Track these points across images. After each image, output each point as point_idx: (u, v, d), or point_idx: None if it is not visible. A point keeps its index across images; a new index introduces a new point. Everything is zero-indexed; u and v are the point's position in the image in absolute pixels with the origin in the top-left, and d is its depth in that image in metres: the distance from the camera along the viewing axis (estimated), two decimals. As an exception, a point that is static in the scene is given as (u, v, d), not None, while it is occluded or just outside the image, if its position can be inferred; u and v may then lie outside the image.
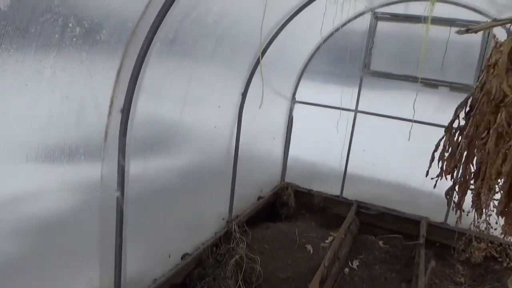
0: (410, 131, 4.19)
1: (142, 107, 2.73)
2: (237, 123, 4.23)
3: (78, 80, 2.16)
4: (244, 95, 4.14)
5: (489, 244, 4.36)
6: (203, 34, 3.02)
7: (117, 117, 2.51)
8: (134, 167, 2.84)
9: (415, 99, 4.01)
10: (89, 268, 2.68)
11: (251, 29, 3.59)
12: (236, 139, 4.28)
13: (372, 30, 5.30)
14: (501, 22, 2.47)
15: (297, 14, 3.97)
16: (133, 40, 2.35)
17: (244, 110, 4.26)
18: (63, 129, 2.21)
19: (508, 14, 4.39)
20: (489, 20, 3.58)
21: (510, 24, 3.95)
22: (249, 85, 4.13)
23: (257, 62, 4.08)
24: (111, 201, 2.68)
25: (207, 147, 3.82)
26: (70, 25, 1.97)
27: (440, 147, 3.76)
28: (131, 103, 2.53)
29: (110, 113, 2.46)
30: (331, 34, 5.38)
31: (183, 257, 3.74)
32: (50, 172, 2.22)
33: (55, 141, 2.18)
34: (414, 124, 5.31)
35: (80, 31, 2.03)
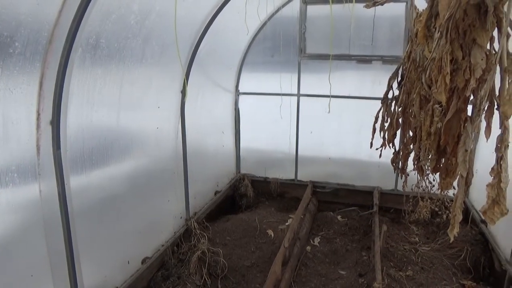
0: (329, 104, 4.35)
1: (74, 116, 2.69)
2: (181, 121, 4.23)
3: (-4, 96, 2.09)
4: (183, 92, 4.15)
5: (428, 201, 4.67)
6: (128, 36, 2.99)
7: (47, 129, 2.46)
8: (76, 179, 2.79)
9: (329, 75, 4.18)
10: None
11: (179, 24, 3.60)
12: (182, 137, 4.28)
13: (303, 15, 5.44)
14: (405, -7, 2.64)
15: (224, 7, 4.02)
16: (51, 50, 2.30)
17: (186, 107, 4.26)
18: (-13, 150, 2.14)
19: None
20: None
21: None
22: (187, 82, 4.14)
23: (192, 58, 4.10)
24: (55, 216, 2.62)
25: (152, 149, 3.80)
26: (-23, 41, 1.91)
27: (380, 118, 3.96)
28: (60, 114, 2.48)
29: (38, 126, 2.40)
30: (264, 24, 5.48)
31: (143, 262, 3.72)
32: (-20, 196, 2.15)
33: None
34: (355, 100, 5.57)
35: (-12, 46, 1.97)
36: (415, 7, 3.86)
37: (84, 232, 2.89)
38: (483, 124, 2.12)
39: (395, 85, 3.76)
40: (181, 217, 4.46)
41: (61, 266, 2.71)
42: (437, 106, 2.57)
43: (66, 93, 2.51)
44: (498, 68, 1.92)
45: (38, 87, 2.34)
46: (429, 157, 3.45)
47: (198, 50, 4.14)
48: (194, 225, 4.45)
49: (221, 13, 4.13)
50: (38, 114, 2.39)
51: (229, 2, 4.09)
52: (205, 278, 3.89)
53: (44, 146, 2.47)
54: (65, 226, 2.67)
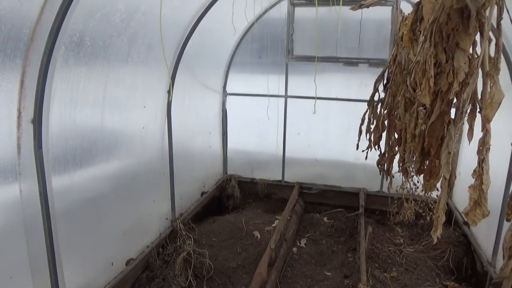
0: (314, 105, 4.36)
1: (57, 115, 2.64)
2: (167, 121, 4.20)
3: (-25, 94, 2.04)
4: (170, 92, 4.11)
5: (413, 202, 4.73)
6: (113, 34, 2.95)
7: (28, 128, 2.40)
8: (58, 179, 2.74)
9: (314, 76, 4.21)
10: (22, 290, 2.57)
11: (166, 24, 3.57)
12: (168, 138, 4.25)
13: (290, 16, 5.46)
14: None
15: (211, 7, 4.01)
16: (32, 47, 2.26)
17: (173, 108, 4.23)
18: (-34, 148, 2.09)
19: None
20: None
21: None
22: (174, 82, 4.11)
23: (179, 58, 4.07)
24: (36, 217, 2.56)
25: (137, 149, 3.75)
26: (-45, 36, 1.86)
27: (366, 120, 3.99)
28: (42, 112, 2.43)
29: (19, 125, 2.35)
30: (251, 25, 5.48)
31: (127, 263, 3.67)
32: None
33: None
34: (342, 102, 5.60)
35: (-32, 42, 1.92)
36: (401, 11, 3.90)
37: (66, 233, 2.83)
38: (466, 127, 2.15)
39: (381, 87, 3.79)
40: (166, 218, 4.42)
41: (42, 268, 2.65)
42: (421, 108, 2.60)
43: (49, 92, 2.47)
44: (480, 72, 1.94)
45: (19, 85, 2.29)
46: (414, 159, 3.48)
47: (185, 50, 4.11)
48: (180, 226, 4.41)
49: (208, 13, 4.11)
50: (19, 113, 2.34)
51: (216, 3, 4.07)
52: (190, 280, 3.86)
53: (25, 145, 2.42)
54: (47, 227, 2.62)
